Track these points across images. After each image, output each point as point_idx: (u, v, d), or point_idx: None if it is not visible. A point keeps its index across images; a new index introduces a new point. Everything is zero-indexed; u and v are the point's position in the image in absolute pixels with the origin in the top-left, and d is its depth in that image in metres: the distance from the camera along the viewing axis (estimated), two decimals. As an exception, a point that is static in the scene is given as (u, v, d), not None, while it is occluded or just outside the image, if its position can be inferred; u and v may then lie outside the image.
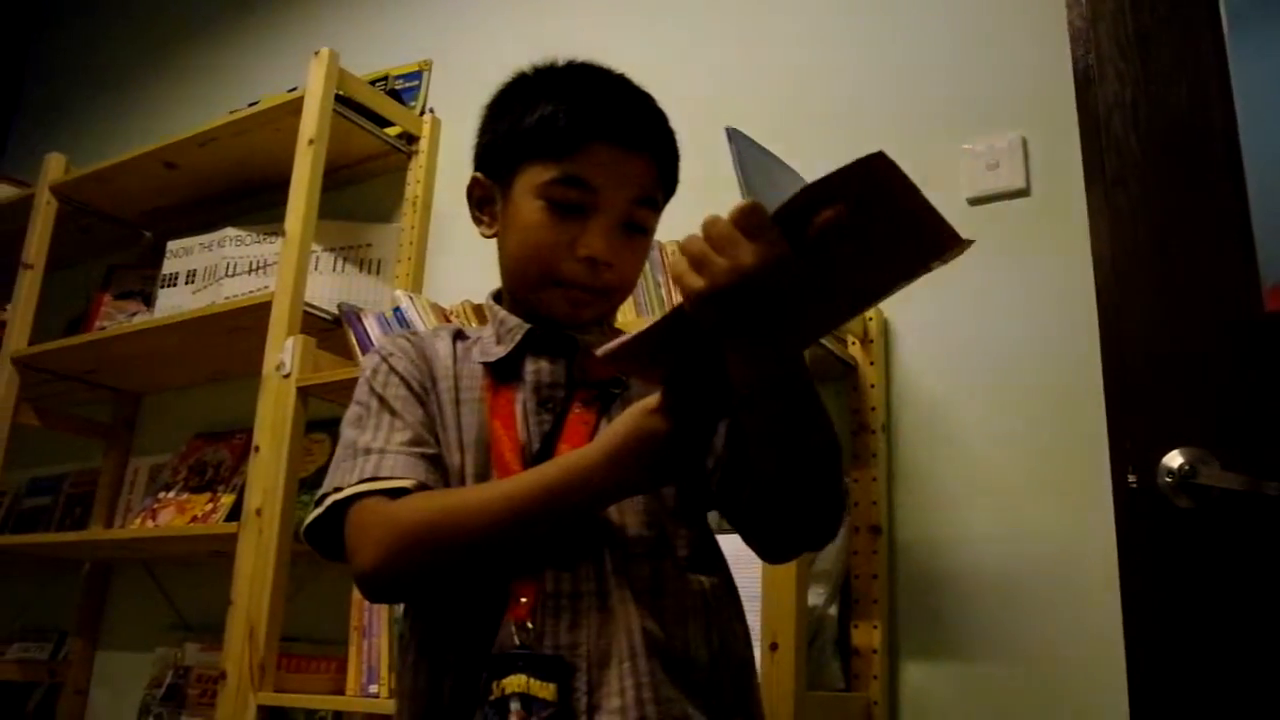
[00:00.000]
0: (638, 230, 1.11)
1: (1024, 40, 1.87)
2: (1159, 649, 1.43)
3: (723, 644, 1.05)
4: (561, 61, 1.16)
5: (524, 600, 0.99)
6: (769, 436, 0.93)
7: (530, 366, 1.11)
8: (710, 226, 0.82)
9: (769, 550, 1.10)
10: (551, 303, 1.11)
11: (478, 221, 1.19)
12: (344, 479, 1.04)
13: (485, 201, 1.17)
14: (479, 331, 1.19)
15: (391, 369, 1.12)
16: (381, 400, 1.10)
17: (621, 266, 1.11)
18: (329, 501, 1.04)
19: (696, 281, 0.81)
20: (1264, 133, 1.50)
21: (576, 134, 1.07)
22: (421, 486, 1.02)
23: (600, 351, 0.90)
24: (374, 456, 1.04)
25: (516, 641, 0.97)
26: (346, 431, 1.10)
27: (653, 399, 0.93)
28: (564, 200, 1.07)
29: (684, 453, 0.94)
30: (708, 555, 1.10)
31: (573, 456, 0.97)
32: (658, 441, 0.91)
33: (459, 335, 1.19)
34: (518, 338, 1.12)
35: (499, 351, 1.13)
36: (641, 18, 2.38)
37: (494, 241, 1.18)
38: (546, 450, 1.06)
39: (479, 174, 1.17)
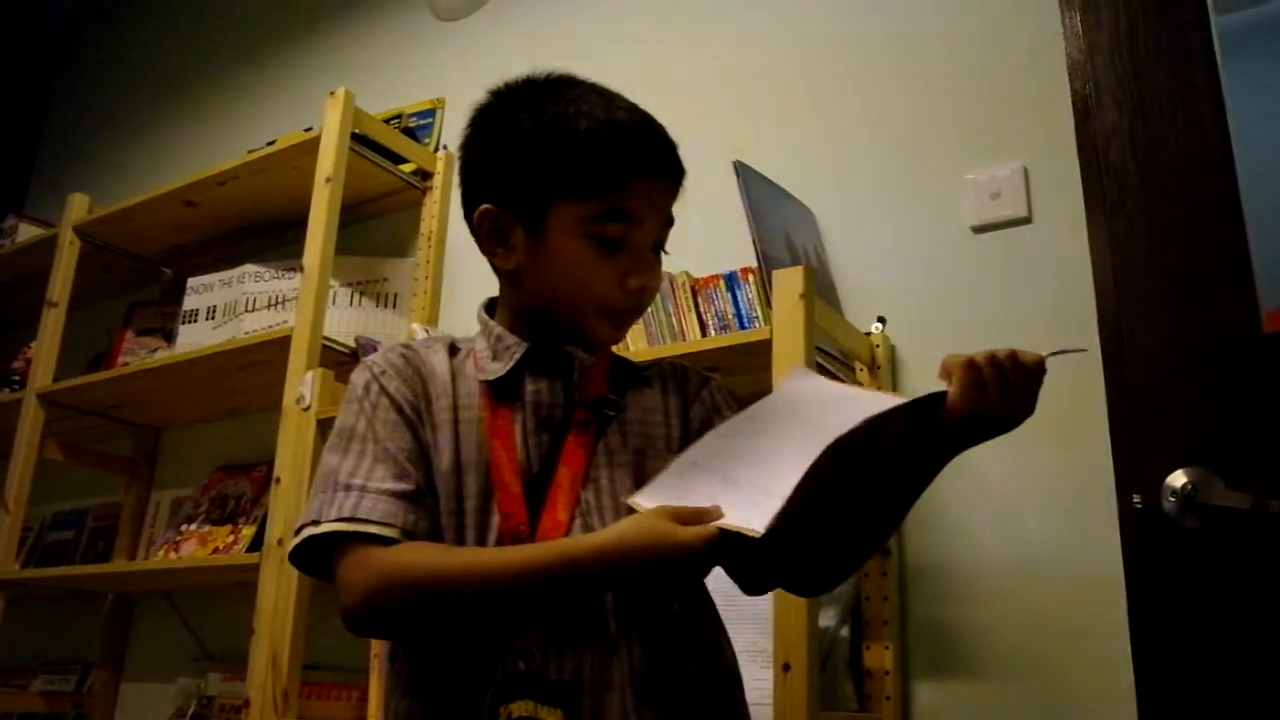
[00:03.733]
0: (659, 248, 1.15)
1: (1024, 72, 1.91)
2: (1167, 668, 1.45)
3: (712, 659, 1.09)
4: (542, 76, 1.17)
5: (525, 632, 1.00)
6: (895, 512, 1.09)
7: (530, 386, 1.12)
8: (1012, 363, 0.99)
9: (755, 586, 1.16)
10: (596, 329, 1.12)
11: (490, 255, 1.15)
12: (322, 511, 1.03)
13: (499, 233, 1.13)
14: (469, 343, 1.18)
15: (383, 389, 1.11)
16: (369, 423, 1.08)
17: (656, 286, 1.16)
18: (305, 534, 1.04)
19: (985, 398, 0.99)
20: (1258, 158, 1.53)
21: (619, 171, 1.08)
22: (405, 534, 1.02)
23: (771, 523, 0.90)
24: (354, 494, 1.03)
25: (522, 667, 0.99)
26: (328, 457, 1.08)
27: (680, 510, 0.95)
28: (608, 236, 1.08)
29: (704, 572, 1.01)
30: (695, 585, 1.13)
31: (581, 544, 0.98)
32: (674, 552, 0.93)
33: (452, 348, 1.17)
34: (516, 356, 1.12)
35: (497, 369, 1.12)
36: (650, 55, 2.42)
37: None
38: (546, 472, 1.08)
39: (490, 206, 1.12)
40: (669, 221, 1.14)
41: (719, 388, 1.23)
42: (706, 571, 1.01)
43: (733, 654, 1.13)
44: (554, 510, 1.06)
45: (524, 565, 0.97)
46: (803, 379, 1.14)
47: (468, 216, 1.17)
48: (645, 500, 1.00)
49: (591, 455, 1.10)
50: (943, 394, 0.97)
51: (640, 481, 1.08)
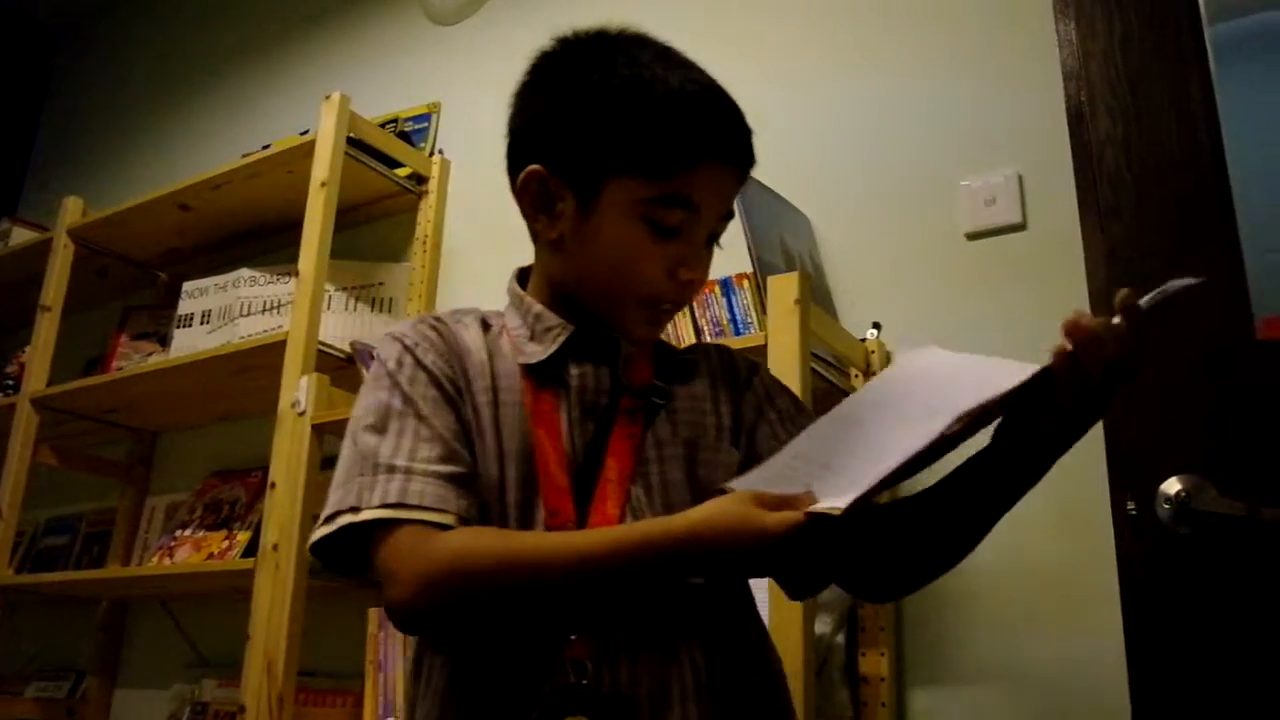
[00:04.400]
0: (714, 240, 1.07)
1: (1019, 80, 1.91)
2: (1161, 674, 1.45)
3: (770, 667, 1.05)
4: (615, 30, 1.07)
5: (578, 639, 0.93)
6: (994, 505, 0.99)
7: (574, 371, 1.04)
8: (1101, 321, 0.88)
9: (803, 588, 1.11)
10: (630, 320, 1.04)
11: (532, 220, 1.06)
12: (363, 497, 0.93)
13: (545, 200, 1.03)
14: (500, 318, 1.10)
15: (418, 362, 1.01)
16: (406, 400, 0.98)
17: (704, 281, 1.07)
18: (343, 521, 0.93)
19: (1094, 362, 0.87)
20: (1251, 165, 1.53)
21: (690, 153, 0.98)
22: (461, 521, 0.92)
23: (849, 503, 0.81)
24: (398, 477, 0.93)
25: (573, 679, 0.91)
26: (364, 436, 0.97)
27: (765, 494, 0.86)
28: (666, 222, 0.99)
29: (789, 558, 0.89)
30: (743, 587, 1.08)
31: (661, 526, 0.89)
32: (758, 539, 0.83)
33: (484, 324, 1.08)
34: (560, 339, 1.04)
35: (538, 351, 1.04)
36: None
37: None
38: (592, 463, 1.00)
39: (539, 168, 1.02)
40: (729, 214, 1.06)
41: (769, 375, 1.18)
42: (790, 561, 0.92)
43: (783, 671, 1.08)
44: (603, 506, 0.98)
45: (602, 549, 0.88)
46: (918, 353, 1.03)
47: (511, 173, 1.06)
48: (740, 487, 0.91)
49: (640, 447, 1.02)
50: (1050, 375, 0.87)
51: (692, 475, 1.02)
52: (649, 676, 0.93)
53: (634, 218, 0.99)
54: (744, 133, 1.04)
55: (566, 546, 0.90)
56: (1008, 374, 0.87)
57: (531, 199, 1.04)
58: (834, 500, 0.82)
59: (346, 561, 0.97)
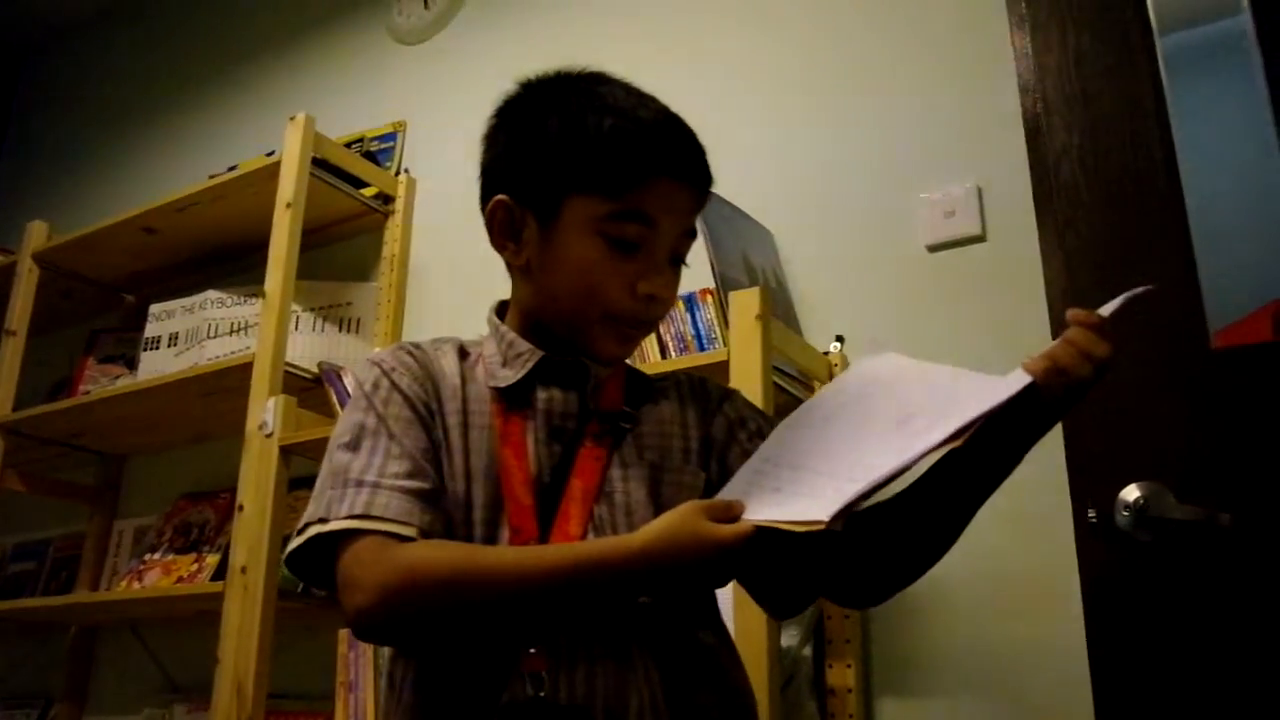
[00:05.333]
0: (679, 261, 1.10)
1: (976, 93, 1.93)
2: (1124, 680, 1.47)
3: (732, 699, 1.05)
4: (575, 70, 1.12)
5: (536, 651, 0.95)
6: (972, 504, 1.00)
7: (542, 394, 1.07)
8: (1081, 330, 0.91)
9: (786, 607, 1.12)
10: (598, 340, 1.07)
11: (501, 248, 1.10)
12: (331, 509, 0.97)
13: (511, 228, 1.08)
14: (478, 347, 1.13)
15: (394, 385, 1.05)
16: (380, 419, 1.02)
17: (669, 299, 1.09)
18: (311, 532, 0.97)
19: (1086, 368, 0.89)
20: (1204, 176, 1.56)
21: (640, 169, 1.02)
22: (422, 534, 0.96)
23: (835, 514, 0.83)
24: (365, 490, 0.97)
25: (531, 692, 0.93)
26: (338, 454, 1.01)
27: (713, 504, 0.90)
28: (622, 237, 1.02)
29: (739, 566, 0.93)
30: (709, 609, 1.09)
31: (615, 543, 0.93)
32: (709, 550, 0.87)
33: (462, 352, 1.12)
34: (529, 364, 1.08)
35: (508, 376, 1.08)
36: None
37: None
38: (557, 483, 1.03)
39: (504, 197, 1.08)
40: (690, 232, 1.09)
41: (741, 400, 1.20)
42: (738, 569, 0.96)
43: (749, 688, 1.09)
44: (565, 524, 1.01)
45: (556, 564, 0.92)
46: (879, 359, 1.07)
47: (483, 209, 1.12)
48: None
49: (606, 468, 1.05)
50: (1034, 387, 0.89)
51: (656, 495, 1.05)
52: (605, 687, 0.95)
53: (592, 234, 1.03)
54: (696, 151, 1.08)
55: (523, 561, 0.93)
56: (991, 387, 0.89)
57: (499, 227, 1.09)
58: (811, 511, 0.83)
59: (320, 574, 1.00)
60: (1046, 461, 1.64)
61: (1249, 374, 1.47)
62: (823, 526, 0.82)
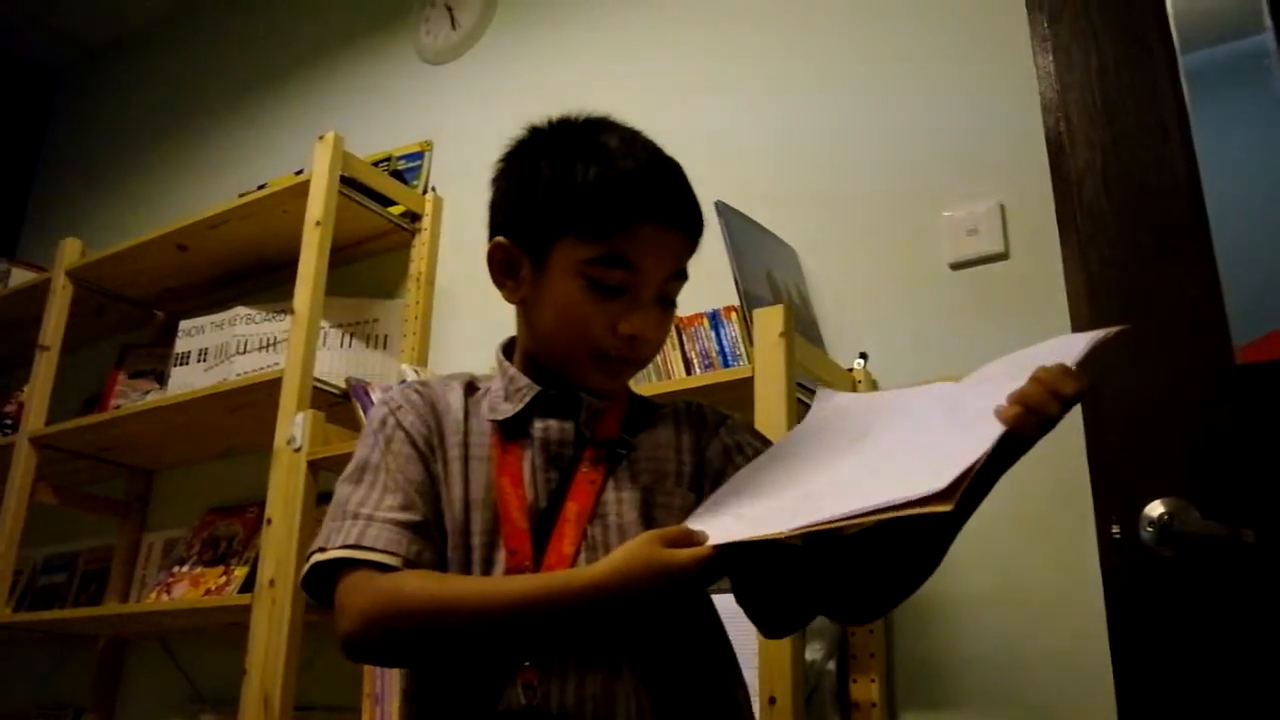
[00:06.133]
0: (669, 303, 1.14)
1: (999, 112, 1.94)
2: (1148, 696, 1.47)
3: (720, 706, 1.08)
4: (580, 116, 1.17)
5: (529, 662, 1.01)
6: (951, 534, 1.02)
7: (539, 425, 1.13)
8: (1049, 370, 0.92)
9: (778, 627, 1.15)
10: (586, 374, 1.12)
11: (500, 286, 1.17)
12: (330, 539, 1.05)
13: (509, 267, 1.15)
14: (488, 382, 1.20)
15: (399, 423, 1.13)
16: (382, 455, 1.11)
17: (656, 338, 1.14)
18: (312, 561, 1.06)
19: (1055, 406, 0.91)
20: (1227, 192, 1.56)
21: (624, 215, 1.07)
22: (407, 563, 1.03)
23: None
24: (360, 522, 1.05)
25: (524, 701, 0.99)
26: (342, 487, 1.10)
27: (668, 533, 0.95)
28: (606, 280, 1.08)
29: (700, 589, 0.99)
30: (707, 621, 1.13)
31: (576, 573, 0.99)
32: (666, 577, 0.93)
33: (470, 387, 1.19)
34: (527, 398, 1.14)
35: (507, 410, 1.14)
36: (634, 98, 2.46)
37: (502, 306, 1.19)
38: (553, 508, 1.08)
39: (503, 239, 1.14)
40: (680, 274, 1.13)
41: (738, 425, 1.23)
42: (703, 588, 0.99)
43: (747, 702, 1.12)
44: (559, 545, 1.06)
45: (519, 594, 0.98)
46: (826, 400, 1.12)
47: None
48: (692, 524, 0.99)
49: (600, 491, 1.10)
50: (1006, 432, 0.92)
51: (648, 516, 1.09)
52: (594, 697, 1.00)
53: (577, 276, 1.08)
54: (682, 197, 1.13)
55: (489, 591, 1.01)
56: (961, 437, 0.91)
57: (497, 267, 1.16)
58: (777, 526, 0.88)
59: (328, 597, 1.07)
60: (1070, 476, 1.65)
61: (1273, 390, 1.47)
62: (781, 536, 0.87)
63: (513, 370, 1.17)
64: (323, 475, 2.20)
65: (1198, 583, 1.46)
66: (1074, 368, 0.93)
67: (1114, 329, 0.99)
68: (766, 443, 1.21)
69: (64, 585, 3.06)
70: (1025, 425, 0.91)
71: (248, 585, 2.34)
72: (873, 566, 1.06)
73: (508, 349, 1.22)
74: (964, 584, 1.75)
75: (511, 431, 1.13)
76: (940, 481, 0.85)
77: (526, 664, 1.00)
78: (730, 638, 1.16)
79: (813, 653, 1.70)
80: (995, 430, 0.90)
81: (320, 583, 1.07)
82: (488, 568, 1.06)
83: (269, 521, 2.18)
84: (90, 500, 3.05)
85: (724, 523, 0.97)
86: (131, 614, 2.62)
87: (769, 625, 1.15)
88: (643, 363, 1.17)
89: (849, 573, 1.07)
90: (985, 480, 0.97)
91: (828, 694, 1.72)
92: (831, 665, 1.73)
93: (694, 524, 0.97)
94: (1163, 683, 1.46)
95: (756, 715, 1.28)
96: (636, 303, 1.09)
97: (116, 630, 2.88)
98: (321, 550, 1.05)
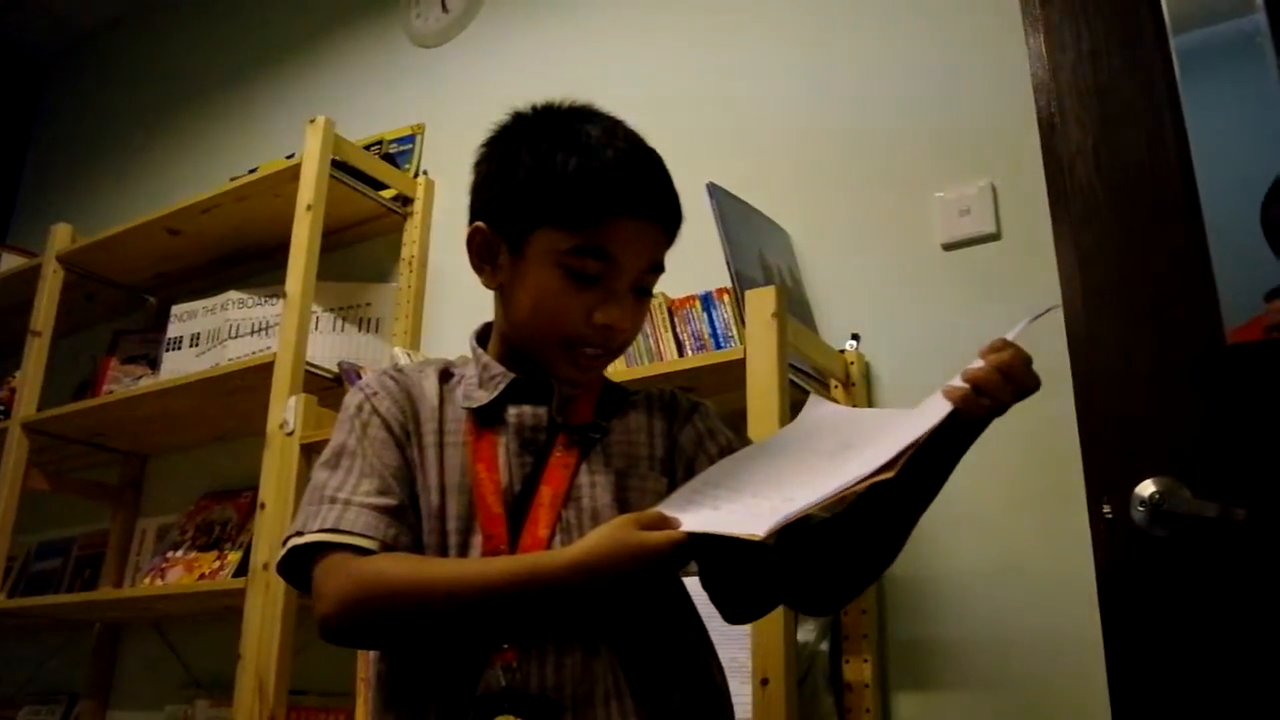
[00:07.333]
0: (645, 293, 1.15)
1: (990, 93, 1.94)
2: (1140, 674, 1.47)
3: (696, 681, 1.11)
4: (563, 104, 1.17)
5: (507, 644, 1.02)
6: (910, 519, 1.06)
7: (512, 410, 1.14)
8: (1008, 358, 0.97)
9: (739, 614, 1.18)
10: (558, 363, 1.13)
11: (478, 271, 1.18)
12: (307, 524, 1.06)
13: (488, 252, 1.16)
14: (463, 369, 1.20)
15: (374, 409, 1.14)
16: (359, 440, 1.11)
17: (630, 328, 1.15)
18: (289, 545, 1.06)
19: (1007, 390, 0.96)
20: (1218, 173, 1.56)
21: (602, 207, 1.08)
22: (384, 546, 1.04)
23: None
24: (338, 507, 1.06)
25: (503, 682, 1.00)
26: (318, 472, 1.11)
27: (644, 516, 0.97)
28: (582, 270, 1.09)
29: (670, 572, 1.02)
30: (679, 600, 1.15)
31: (550, 555, 1.01)
32: (640, 559, 0.94)
33: (445, 374, 1.20)
34: (500, 386, 1.15)
35: (481, 397, 1.15)
36: (627, 80, 2.45)
37: (488, 292, 1.20)
38: (528, 492, 1.10)
39: (482, 225, 1.15)
40: (656, 266, 1.14)
41: (710, 412, 1.25)
42: (674, 571, 1.03)
43: (723, 679, 1.14)
44: (534, 528, 1.07)
45: (496, 575, 0.99)
46: (816, 407, 1.16)
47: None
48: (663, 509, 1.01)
49: (574, 475, 1.11)
50: (955, 412, 0.96)
51: (621, 500, 1.11)
52: (572, 676, 1.01)
53: (553, 265, 1.09)
54: (661, 190, 1.14)
55: (465, 573, 1.02)
56: (918, 420, 0.96)
57: (476, 252, 1.17)
58: (751, 527, 0.91)
59: (305, 581, 1.08)
60: (1063, 456, 1.66)
61: (1264, 370, 1.47)
62: (757, 538, 0.89)
63: (486, 358, 1.18)
64: (315, 459, 2.19)
65: (1189, 561, 1.46)
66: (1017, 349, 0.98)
67: (1045, 308, 1.07)
68: (737, 432, 1.24)
69: (58, 571, 3.05)
70: (971, 406, 0.94)
71: (242, 570, 2.34)
72: (835, 556, 1.10)
73: (482, 335, 1.23)
74: (956, 565, 1.76)
75: (486, 418, 1.14)
76: (886, 457, 0.91)
77: (505, 646, 1.01)
78: (720, 622, 1.17)
79: (805, 634, 1.70)
80: (943, 408, 0.94)
81: (297, 567, 1.07)
82: (464, 552, 1.07)
83: (263, 506, 2.18)
84: (84, 486, 3.05)
85: (701, 511, 0.99)
86: (126, 599, 2.62)
87: (732, 611, 1.17)
88: (616, 353, 1.18)
89: (812, 563, 1.10)
90: (944, 462, 1.02)
91: (820, 675, 1.72)
92: (824, 646, 1.74)
93: (669, 509, 0.99)
94: (1155, 662, 1.46)
95: (748, 697, 1.29)
96: (612, 294, 1.10)
97: (111, 616, 2.88)
98: (299, 534, 1.06)
